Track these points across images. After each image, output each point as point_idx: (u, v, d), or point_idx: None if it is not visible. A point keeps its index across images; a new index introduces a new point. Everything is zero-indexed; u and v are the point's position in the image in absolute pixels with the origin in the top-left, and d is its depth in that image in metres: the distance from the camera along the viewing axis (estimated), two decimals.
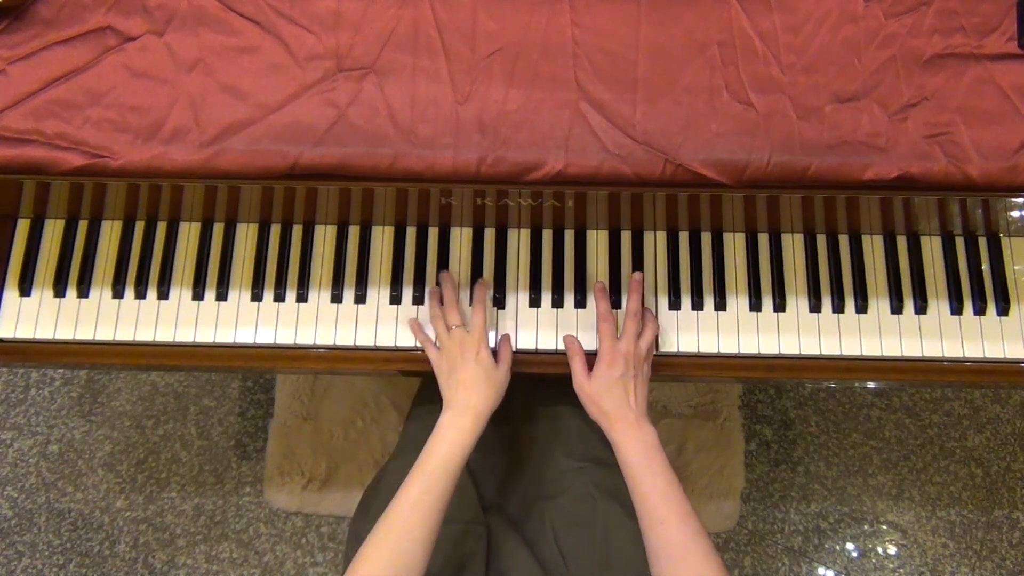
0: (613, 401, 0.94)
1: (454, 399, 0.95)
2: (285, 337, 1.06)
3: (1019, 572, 1.73)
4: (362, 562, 0.83)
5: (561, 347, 1.05)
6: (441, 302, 1.04)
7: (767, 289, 1.07)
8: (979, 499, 1.77)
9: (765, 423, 1.82)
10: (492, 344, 1.04)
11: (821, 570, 1.73)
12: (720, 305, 1.07)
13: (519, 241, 1.10)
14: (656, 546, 0.86)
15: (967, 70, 0.90)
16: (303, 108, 0.89)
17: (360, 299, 1.07)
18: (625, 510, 0.99)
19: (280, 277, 1.07)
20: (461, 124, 0.89)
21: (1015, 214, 1.03)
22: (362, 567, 0.83)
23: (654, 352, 1.02)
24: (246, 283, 1.08)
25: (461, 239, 1.10)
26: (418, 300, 1.08)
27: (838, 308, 1.07)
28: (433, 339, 1.04)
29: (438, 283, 1.07)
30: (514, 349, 1.05)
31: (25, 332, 1.06)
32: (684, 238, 1.09)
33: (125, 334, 1.06)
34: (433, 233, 1.10)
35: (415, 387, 1.36)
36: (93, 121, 0.88)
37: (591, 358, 1.01)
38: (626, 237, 1.10)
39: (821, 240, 1.09)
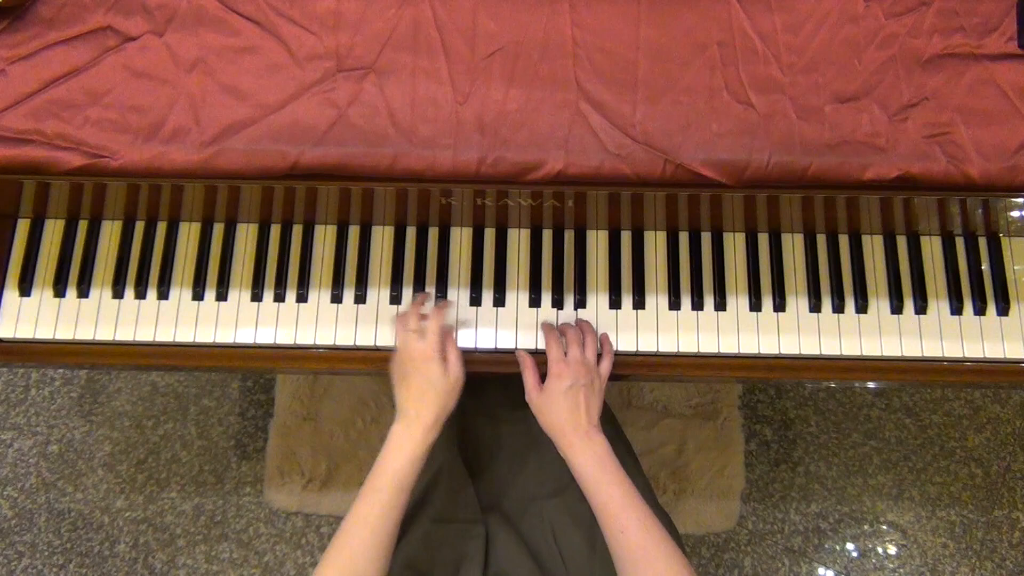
0: (562, 413, 0.94)
1: (405, 408, 0.94)
2: (285, 337, 1.06)
3: (1019, 572, 1.73)
4: None
5: None
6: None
7: (767, 289, 1.07)
8: (979, 499, 1.77)
9: (765, 423, 1.82)
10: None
11: (821, 570, 1.73)
12: (720, 305, 1.07)
13: (519, 241, 1.10)
14: (620, 555, 0.86)
15: (967, 70, 0.90)
16: (303, 108, 0.89)
17: (360, 299, 1.07)
18: None
19: (280, 277, 1.07)
20: (461, 124, 0.89)
21: (1015, 214, 1.03)
22: None
23: (611, 358, 1.02)
24: (246, 283, 1.08)
25: (461, 239, 1.10)
26: None
27: (838, 308, 1.07)
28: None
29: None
30: (514, 349, 1.05)
31: (25, 332, 1.06)
32: (684, 238, 1.09)
33: (125, 334, 1.06)
34: (433, 233, 1.09)
35: None
36: (93, 121, 0.88)
37: None
38: (626, 237, 1.10)
39: (821, 240, 1.09)
